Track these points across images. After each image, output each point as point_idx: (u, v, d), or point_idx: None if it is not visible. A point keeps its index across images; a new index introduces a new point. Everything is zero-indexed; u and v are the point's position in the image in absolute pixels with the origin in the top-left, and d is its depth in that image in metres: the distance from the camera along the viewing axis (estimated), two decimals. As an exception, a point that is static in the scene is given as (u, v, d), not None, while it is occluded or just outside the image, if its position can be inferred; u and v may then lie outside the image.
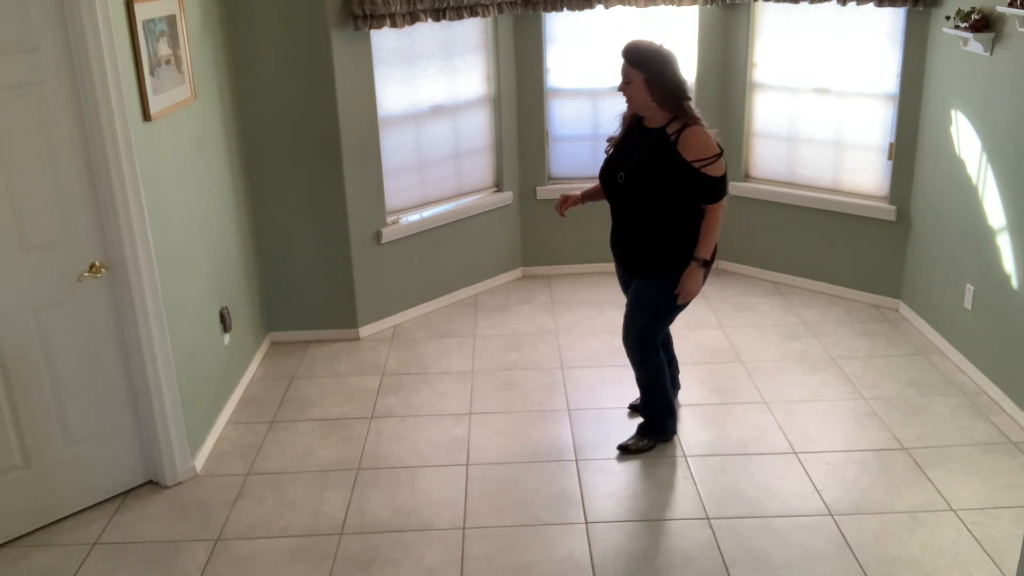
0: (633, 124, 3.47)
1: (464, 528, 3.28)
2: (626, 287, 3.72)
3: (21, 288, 3.09)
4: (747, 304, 5.21)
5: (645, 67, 3.27)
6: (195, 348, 3.78)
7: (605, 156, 3.57)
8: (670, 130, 3.29)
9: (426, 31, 4.81)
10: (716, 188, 3.30)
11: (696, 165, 3.25)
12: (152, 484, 3.60)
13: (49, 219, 3.11)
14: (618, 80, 3.38)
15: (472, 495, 3.48)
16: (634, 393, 4.21)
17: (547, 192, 5.55)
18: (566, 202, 3.72)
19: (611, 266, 5.76)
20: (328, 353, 4.75)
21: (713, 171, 3.26)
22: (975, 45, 4.07)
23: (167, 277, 3.50)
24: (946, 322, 4.54)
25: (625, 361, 4.49)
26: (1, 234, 3.00)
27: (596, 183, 3.66)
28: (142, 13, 3.30)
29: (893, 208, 4.93)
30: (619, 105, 5.41)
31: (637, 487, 3.49)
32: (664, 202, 3.35)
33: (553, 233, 5.59)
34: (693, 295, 3.44)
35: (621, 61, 3.32)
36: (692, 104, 3.34)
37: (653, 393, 3.74)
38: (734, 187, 5.51)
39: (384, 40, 4.66)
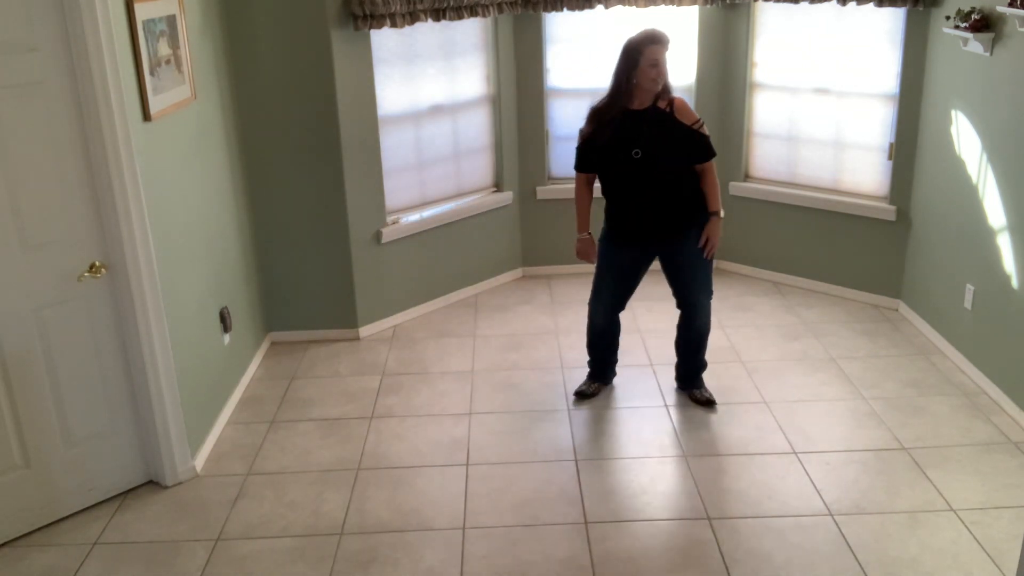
0: (613, 116, 3.72)
1: (464, 528, 3.28)
2: (634, 270, 3.97)
3: (21, 288, 3.09)
4: (747, 304, 5.21)
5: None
6: (195, 348, 3.78)
7: (583, 151, 3.84)
8: (661, 104, 3.69)
9: (426, 31, 4.81)
10: (711, 145, 3.76)
11: (695, 127, 3.70)
12: (152, 484, 3.60)
13: (49, 219, 3.11)
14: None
15: (472, 495, 3.48)
16: (632, 392, 4.22)
17: (547, 192, 5.55)
18: (590, 250, 4.01)
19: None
20: (328, 353, 4.75)
21: (705, 130, 3.74)
22: (975, 45, 4.07)
23: (167, 277, 3.50)
24: (946, 322, 4.54)
25: (625, 361, 4.51)
26: (1, 234, 3.00)
27: (581, 199, 3.96)
28: (142, 13, 3.30)
29: (893, 208, 4.93)
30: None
31: (637, 487, 3.50)
32: (679, 164, 3.75)
33: (553, 233, 5.59)
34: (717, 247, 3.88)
35: (655, 46, 3.61)
36: None
37: (705, 342, 4.12)
38: (734, 187, 5.53)
39: (384, 40, 4.66)
